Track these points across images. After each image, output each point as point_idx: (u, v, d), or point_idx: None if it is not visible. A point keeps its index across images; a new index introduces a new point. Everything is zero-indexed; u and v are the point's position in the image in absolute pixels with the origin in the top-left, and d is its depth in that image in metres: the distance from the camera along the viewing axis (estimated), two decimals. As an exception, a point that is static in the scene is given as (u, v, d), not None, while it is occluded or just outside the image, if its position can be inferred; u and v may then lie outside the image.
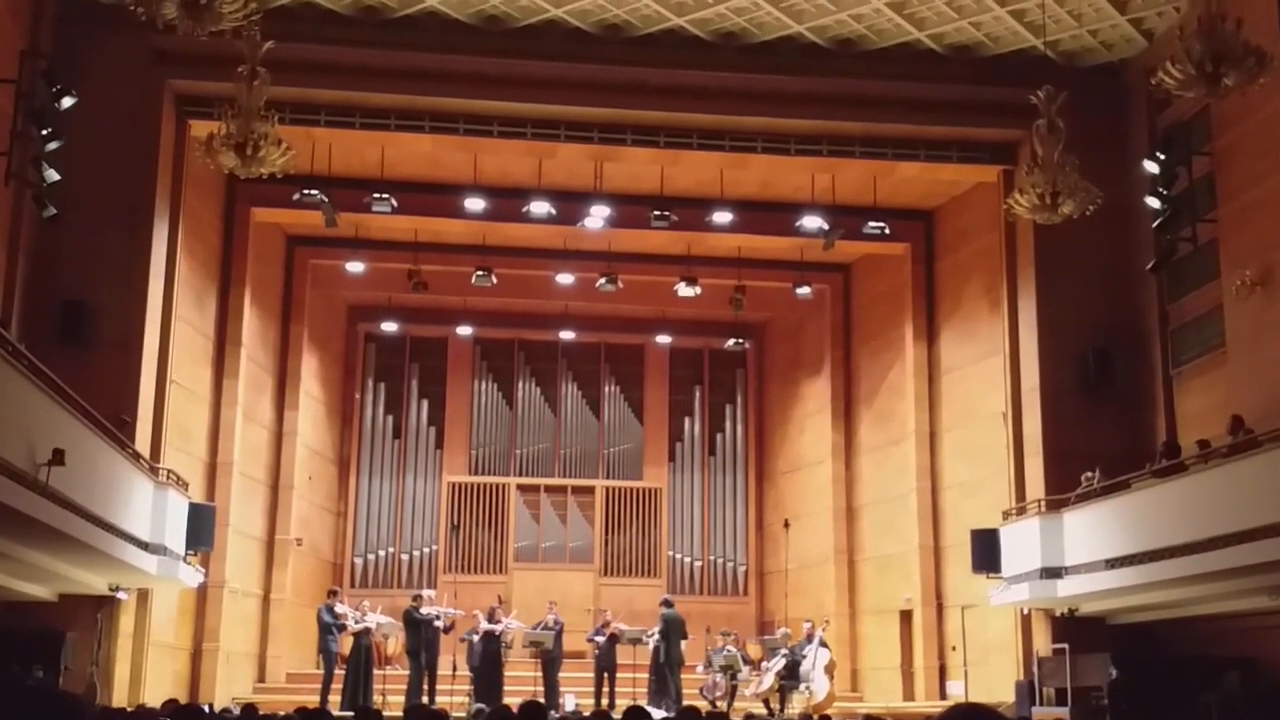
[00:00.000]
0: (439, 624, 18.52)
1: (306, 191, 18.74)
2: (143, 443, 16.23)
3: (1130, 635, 16.78)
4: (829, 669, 18.76)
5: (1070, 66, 17.90)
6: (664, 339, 25.13)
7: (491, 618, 18.61)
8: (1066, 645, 16.44)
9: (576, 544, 24.57)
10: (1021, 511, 17.56)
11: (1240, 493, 13.09)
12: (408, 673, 18.49)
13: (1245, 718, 13.19)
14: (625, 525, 24.81)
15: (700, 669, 19.62)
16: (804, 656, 18.73)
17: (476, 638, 18.46)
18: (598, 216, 19.93)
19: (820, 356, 23.56)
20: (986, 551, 17.59)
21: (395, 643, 20.18)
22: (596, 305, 23.35)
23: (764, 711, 18.03)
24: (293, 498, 21.39)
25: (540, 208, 19.67)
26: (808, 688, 18.59)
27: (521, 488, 24.73)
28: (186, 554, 16.46)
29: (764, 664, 19.35)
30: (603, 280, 20.99)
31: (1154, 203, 16.80)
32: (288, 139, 12.43)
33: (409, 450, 24.58)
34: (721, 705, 18.10)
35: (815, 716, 16.58)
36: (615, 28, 17.74)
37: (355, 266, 21.21)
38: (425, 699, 17.62)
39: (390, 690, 18.24)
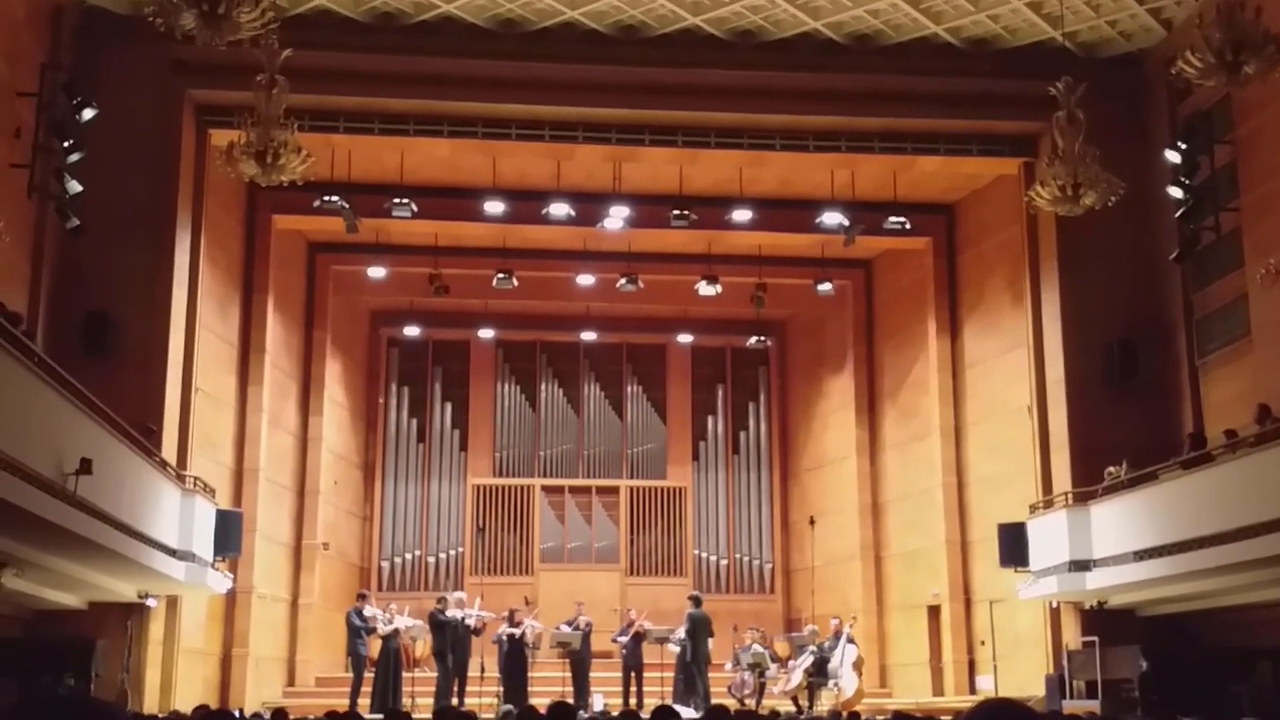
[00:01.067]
0: (470, 623, 18.56)
1: (327, 198, 18.77)
2: (169, 451, 16.33)
3: (1160, 627, 16.71)
4: (857, 665, 18.73)
5: (1089, 57, 17.80)
6: (686, 338, 25.10)
7: (511, 620, 18.62)
8: (1096, 638, 16.37)
9: (602, 544, 24.58)
10: (1049, 505, 17.50)
11: (1269, 482, 13.00)
12: (436, 675, 18.53)
13: (1277, 708, 13.10)
14: (650, 525, 24.81)
15: (728, 667, 19.59)
16: (832, 653, 18.70)
17: (506, 639, 18.50)
18: (617, 217, 19.93)
19: (843, 352, 23.51)
20: (1014, 545, 17.53)
21: (424, 645, 20.21)
22: (617, 305, 23.35)
23: (792, 709, 18.01)
24: (319, 503, 21.48)
25: (559, 209, 19.70)
26: (836, 684, 18.56)
27: (546, 489, 24.76)
28: (215, 560, 16.57)
29: (792, 661, 19.31)
30: (623, 280, 21.01)
31: (1176, 192, 16.71)
32: (307, 146, 12.51)
33: (433, 454, 24.62)
34: (750, 703, 18.08)
35: (844, 713, 16.54)
36: (631, 28, 17.75)
37: (377, 271, 21.30)
38: (454, 700, 17.67)
39: (419, 692, 18.31)
